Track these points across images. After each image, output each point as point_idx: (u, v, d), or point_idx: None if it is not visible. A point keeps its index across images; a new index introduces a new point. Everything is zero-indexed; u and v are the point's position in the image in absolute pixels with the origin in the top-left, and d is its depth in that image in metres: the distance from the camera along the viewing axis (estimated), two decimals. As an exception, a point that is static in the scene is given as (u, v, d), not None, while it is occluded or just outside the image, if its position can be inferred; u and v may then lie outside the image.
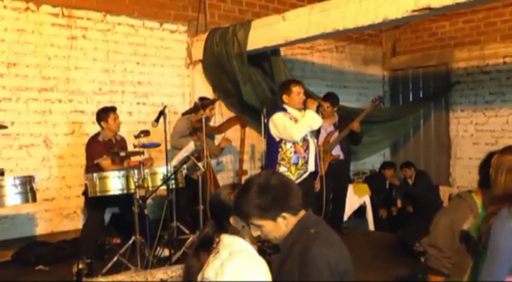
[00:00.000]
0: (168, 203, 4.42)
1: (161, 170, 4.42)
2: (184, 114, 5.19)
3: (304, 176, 4.50)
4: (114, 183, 4.23)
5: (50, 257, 4.77)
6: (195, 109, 5.11)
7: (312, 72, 7.60)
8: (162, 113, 4.37)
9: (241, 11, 6.82)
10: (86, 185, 4.40)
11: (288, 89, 4.56)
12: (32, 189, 4.06)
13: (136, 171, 4.21)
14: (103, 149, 4.62)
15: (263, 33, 5.51)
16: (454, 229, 2.38)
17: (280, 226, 1.88)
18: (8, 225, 5.07)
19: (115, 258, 4.20)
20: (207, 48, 6.02)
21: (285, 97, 4.58)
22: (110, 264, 4.16)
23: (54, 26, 5.35)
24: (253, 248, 1.96)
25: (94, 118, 4.89)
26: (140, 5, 5.90)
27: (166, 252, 4.49)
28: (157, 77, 6.08)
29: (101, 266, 4.18)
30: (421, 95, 8.35)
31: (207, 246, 1.97)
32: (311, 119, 4.41)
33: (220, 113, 6.01)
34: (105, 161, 4.58)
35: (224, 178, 6.34)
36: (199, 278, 1.94)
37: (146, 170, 4.30)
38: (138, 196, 4.09)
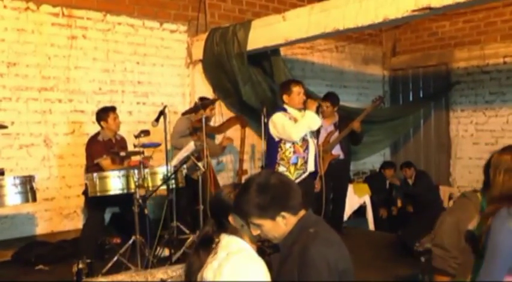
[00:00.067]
0: (168, 203, 4.42)
1: (161, 170, 4.42)
2: (184, 114, 5.19)
3: (304, 176, 4.50)
4: (114, 183, 4.23)
5: (50, 257, 4.77)
6: (195, 109, 5.11)
7: (312, 72, 7.60)
8: (162, 113, 4.38)
9: (242, 11, 6.82)
10: (86, 184, 4.40)
11: (288, 89, 4.56)
12: (32, 188, 4.06)
13: (136, 171, 4.21)
14: (103, 149, 4.62)
15: (263, 33, 5.51)
16: (459, 229, 2.36)
17: (279, 225, 1.88)
18: (8, 225, 5.07)
19: (115, 258, 4.20)
20: (207, 48, 6.02)
21: (285, 97, 4.57)
22: (110, 264, 4.16)
23: (54, 25, 5.35)
24: (252, 247, 1.96)
25: (94, 118, 4.89)
26: (140, 4, 5.90)
27: (166, 252, 4.48)
28: (157, 76, 6.08)
29: (101, 265, 4.18)
30: (421, 95, 8.34)
31: (207, 245, 1.97)
32: (310, 120, 4.41)
33: (220, 113, 6.01)
34: (105, 161, 4.59)
35: (224, 178, 6.34)
36: (198, 278, 1.94)
37: (146, 170, 4.30)
38: (138, 196, 4.09)
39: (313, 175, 4.63)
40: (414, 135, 8.40)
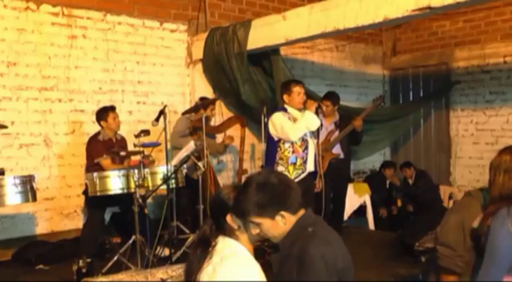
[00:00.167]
0: (168, 203, 4.42)
1: (161, 170, 4.43)
2: (184, 113, 5.19)
3: (303, 175, 4.49)
4: (115, 182, 4.24)
5: (50, 257, 4.77)
6: (195, 108, 5.11)
7: (312, 71, 7.59)
8: (162, 113, 4.38)
9: (242, 10, 6.82)
10: (86, 184, 4.40)
11: (289, 89, 4.55)
12: (32, 188, 4.07)
13: (136, 171, 4.22)
14: (103, 148, 4.63)
15: (263, 33, 5.51)
16: (464, 227, 2.34)
17: (278, 225, 1.88)
18: (8, 225, 5.07)
19: (115, 258, 4.20)
20: (207, 47, 6.02)
21: (285, 97, 4.57)
22: (110, 264, 4.16)
23: (54, 25, 5.35)
24: (247, 249, 1.94)
25: (94, 117, 4.89)
26: (140, 4, 5.90)
27: (166, 252, 4.48)
28: (157, 76, 6.08)
29: (101, 265, 4.18)
30: (421, 94, 8.33)
31: (204, 245, 1.97)
32: (309, 121, 4.40)
33: (220, 113, 6.01)
34: (105, 161, 4.59)
35: (224, 177, 6.35)
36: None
37: (146, 170, 4.30)
38: (138, 195, 4.10)
39: (312, 175, 4.63)
40: (414, 135, 8.39)
